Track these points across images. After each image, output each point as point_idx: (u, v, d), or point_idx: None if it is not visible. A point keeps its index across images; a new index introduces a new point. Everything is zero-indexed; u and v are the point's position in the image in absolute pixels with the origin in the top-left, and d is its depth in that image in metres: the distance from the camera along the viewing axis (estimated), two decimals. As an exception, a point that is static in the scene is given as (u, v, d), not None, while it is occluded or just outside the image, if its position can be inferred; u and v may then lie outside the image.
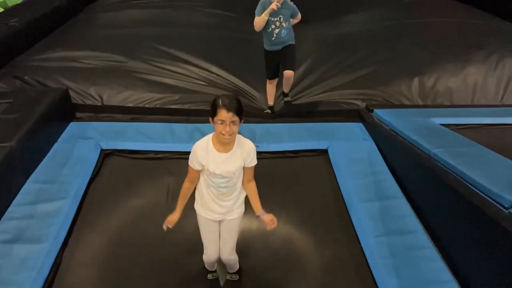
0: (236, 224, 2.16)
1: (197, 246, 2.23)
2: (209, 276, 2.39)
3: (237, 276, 2.40)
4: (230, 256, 2.23)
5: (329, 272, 2.32)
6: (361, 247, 2.41)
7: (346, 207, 2.72)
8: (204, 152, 1.96)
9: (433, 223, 2.46)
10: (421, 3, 6.28)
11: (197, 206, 2.14)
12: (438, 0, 6.60)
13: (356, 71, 4.18)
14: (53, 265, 2.24)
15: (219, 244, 2.21)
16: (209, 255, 2.22)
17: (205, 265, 2.35)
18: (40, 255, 2.19)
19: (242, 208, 2.16)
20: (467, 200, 2.11)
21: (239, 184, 2.08)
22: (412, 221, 2.49)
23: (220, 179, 1.99)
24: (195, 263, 2.34)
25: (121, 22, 5.25)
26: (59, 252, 2.31)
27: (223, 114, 1.82)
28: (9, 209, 2.48)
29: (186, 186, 2.08)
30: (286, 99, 3.76)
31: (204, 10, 5.84)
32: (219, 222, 2.15)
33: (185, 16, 5.52)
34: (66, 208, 2.53)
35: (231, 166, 1.97)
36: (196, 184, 2.10)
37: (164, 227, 2.10)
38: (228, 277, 2.40)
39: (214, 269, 2.39)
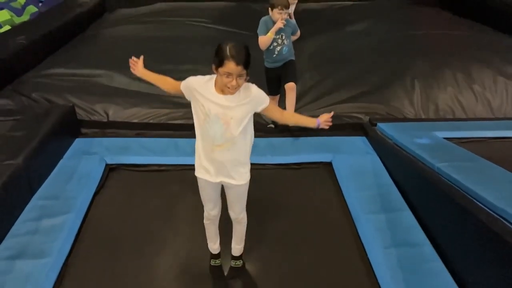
0: (242, 191, 2.08)
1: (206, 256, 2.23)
2: (212, 263, 2.38)
3: (241, 262, 2.36)
4: (239, 214, 2.19)
5: (335, 284, 2.30)
6: (368, 259, 2.40)
7: (352, 218, 2.72)
8: (202, 89, 1.85)
9: (438, 237, 2.44)
10: (422, 16, 6.34)
11: (196, 166, 2.07)
12: (439, 13, 6.66)
13: (358, 85, 4.20)
14: (56, 280, 2.23)
15: (219, 204, 2.18)
16: (209, 211, 2.19)
17: (209, 247, 2.34)
18: (43, 269, 2.19)
19: (246, 175, 2.04)
20: (473, 215, 2.10)
21: (240, 144, 1.92)
22: (419, 234, 2.48)
23: (215, 123, 1.85)
24: (203, 274, 2.35)
25: (126, 38, 5.33)
26: (62, 266, 2.31)
27: (231, 67, 1.70)
28: (14, 226, 2.49)
29: (168, 80, 2.09)
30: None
31: (207, 26, 5.93)
32: (221, 187, 2.09)
33: (188, 31, 5.60)
34: (70, 222, 2.54)
35: (231, 111, 1.83)
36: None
37: (131, 63, 2.18)
38: (232, 263, 2.37)
39: (218, 252, 2.37)
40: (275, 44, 3.35)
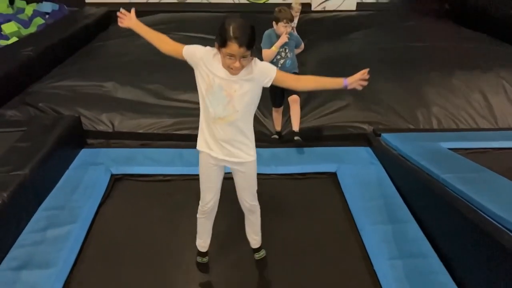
0: (250, 173, 2.02)
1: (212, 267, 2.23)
2: (199, 259, 2.33)
3: (264, 252, 2.33)
4: (252, 202, 2.13)
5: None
6: (374, 270, 2.39)
7: (357, 229, 2.72)
8: (209, 62, 1.80)
9: (444, 248, 2.43)
10: (428, 27, 6.37)
11: (198, 141, 2.01)
12: (445, 24, 6.70)
13: (362, 95, 4.19)
14: (62, 289, 2.24)
15: (217, 195, 2.12)
16: (205, 203, 2.12)
17: (197, 243, 2.30)
18: (49, 280, 2.20)
19: (251, 151, 1.98)
20: (479, 227, 2.09)
21: (243, 119, 1.86)
22: (425, 245, 2.47)
23: (219, 95, 1.80)
24: (209, 284, 2.35)
25: (132, 49, 5.37)
26: (68, 276, 2.32)
27: (234, 49, 1.64)
28: (21, 236, 2.50)
29: (166, 40, 1.97)
30: (296, 138, 3.50)
31: (212, 38, 5.97)
32: (223, 170, 2.04)
33: (196, 42, 5.63)
34: (75, 232, 2.56)
35: (235, 84, 1.78)
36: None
37: (119, 15, 2.05)
38: (256, 256, 2.33)
39: (206, 251, 2.33)
40: (278, 57, 3.38)
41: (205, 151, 2.00)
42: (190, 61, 1.89)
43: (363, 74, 1.97)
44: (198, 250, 2.36)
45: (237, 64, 1.70)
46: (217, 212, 2.28)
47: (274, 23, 3.36)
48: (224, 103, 1.82)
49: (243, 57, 1.69)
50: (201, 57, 1.83)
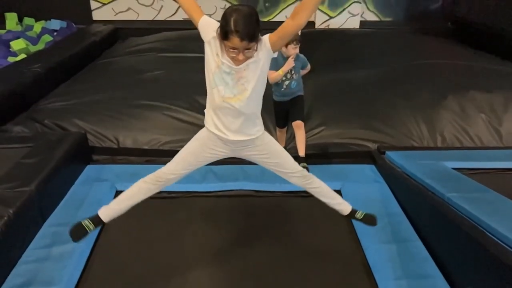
0: (273, 145, 1.97)
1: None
2: (84, 223, 2.13)
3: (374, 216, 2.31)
4: (300, 169, 2.08)
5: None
6: (379, 290, 2.36)
7: (362, 248, 2.70)
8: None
9: (449, 268, 2.41)
10: (428, 45, 6.43)
11: (205, 119, 1.95)
12: (446, 42, 6.76)
13: (366, 112, 4.23)
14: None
15: (186, 173, 2.04)
16: (171, 169, 2.01)
17: (109, 207, 2.14)
18: (53, 298, 2.18)
19: (260, 127, 1.95)
20: (485, 248, 2.08)
21: (252, 97, 1.80)
22: (430, 265, 2.45)
23: (227, 74, 1.72)
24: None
25: (138, 66, 5.45)
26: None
27: (236, 42, 1.58)
28: (25, 253, 2.50)
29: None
30: (302, 164, 3.35)
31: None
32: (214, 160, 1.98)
33: (200, 60, 5.69)
34: (80, 249, 2.55)
35: (242, 68, 1.72)
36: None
37: None
38: (367, 223, 2.32)
39: (106, 222, 2.16)
40: (284, 78, 3.33)
41: (208, 130, 1.93)
42: (203, 34, 1.79)
43: None
44: (98, 216, 2.16)
45: (240, 56, 1.64)
46: (223, 223, 2.23)
47: (283, 46, 3.24)
48: (233, 82, 1.76)
49: (247, 49, 1.63)
50: (214, 36, 1.73)
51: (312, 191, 2.18)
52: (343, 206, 2.27)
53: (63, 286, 2.28)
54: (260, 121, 1.97)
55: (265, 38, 1.77)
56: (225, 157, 2.08)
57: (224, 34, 1.60)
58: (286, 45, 3.27)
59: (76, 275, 2.41)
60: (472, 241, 2.19)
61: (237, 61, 1.68)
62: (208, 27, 1.76)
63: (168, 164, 2.07)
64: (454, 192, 2.60)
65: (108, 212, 2.20)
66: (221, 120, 1.88)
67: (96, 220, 2.18)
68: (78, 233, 2.16)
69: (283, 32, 1.75)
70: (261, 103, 1.92)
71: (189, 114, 4.17)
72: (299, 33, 3.35)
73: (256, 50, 1.70)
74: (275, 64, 3.29)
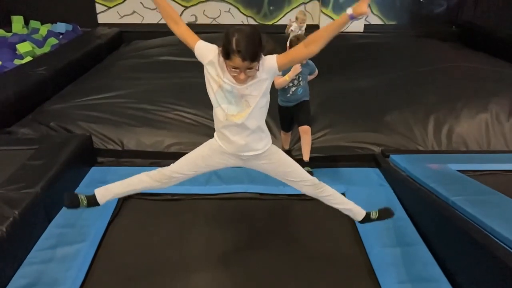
0: (280, 156, 1.97)
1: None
2: (83, 202, 2.11)
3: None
4: (310, 177, 2.07)
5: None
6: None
7: (366, 251, 2.69)
8: (220, 64, 1.72)
9: (453, 272, 2.40)
10: (433, 48, 6.42)
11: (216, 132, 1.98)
12: (450, 45, 6.75)
13: (370, 115, 4.23)
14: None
15: (192, 175, 2.05)
16: (177, 170, 2.01)
17: (115, 185, 2.13)
18: (58, 299, 2.19)
19: (268, 140, 1.95)
20: (490, 252, 2.07)
21: (256, 113, 1.81)
22: (435, 269, 2.44)
23: (230, 92, 1.74)
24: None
25: (142, 69, 5.49)
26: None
27: (237, 62, 1.60)
28: (30, 254, 2.52)
29: (184, 26, 1.87)
30: (306, 168, 3.33)
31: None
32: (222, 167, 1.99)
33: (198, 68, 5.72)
34: (84, 251, 2.56)
35: (244, 87, 1.72)
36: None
37: None
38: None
39: (101, 204, 2.15)
40: (290, 84, 3.30)
41: (217, 143, 1.96)
42: (200, 58, 1.82)
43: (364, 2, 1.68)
44: (94, 198, 2.14)
45: (242, 76, 1.66)
46: (223, 232, 2.25)
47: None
48: (236, 99, 1.78)
49: (249, 68, 1.65)
50: (212, 60, 1.77)
51: (324, 200, 2.17)
52: (357, 210, 2.27)
53: (68, 286, 2.29)
54: (266, 134, 1.98)
55: (273, 59, 1.79)
56: (235, 166, 2.08)
57: (226, 53, 1.63)
58: None
59: (80, 276, 2.42)
60: (477, 244, 2.17)
61: (239, 80, 1.70)
62: (204, 51, 1.80)
63: (175, 163, 2.08)
64: (458, 195, 2.59)
65: (104, 192, 2.18)
66: (228, 138, 1.91)
67: (92, 199, 2.16)
68: (72, 201, 2.14)
69: (293, 57, 1.80)
70: (265, 116, 1.94)
71: (193, 117, 4.19)
72: (300, 23, 3.26)
73: (258, 69, 1.72)
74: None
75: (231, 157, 1.99)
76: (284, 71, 3.17)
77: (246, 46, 1.58)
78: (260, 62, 1.74)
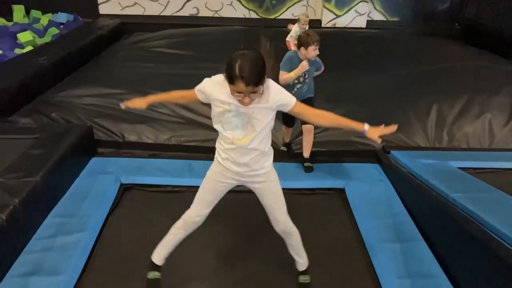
0: (274, 186, 2.02)
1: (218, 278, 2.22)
2: (151, 275, 2.18)
3: (309, 278, 2.25)
4: (287, 223, 2.07)
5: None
6: (383, 289, 2.36)
7: (365, 247, 2.70)
8: (220, 92, 1.78)
9: (452, 268, 2.41)
10: (435, 46, 6.40)
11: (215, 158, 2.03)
12: (453, 43, 6.73)
13: (371, 112, 4.22)
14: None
15: (209, 210, 2.10)
16: (193, 214, 2.07)
17: (154, 255, 2.18)
18: (57, 287, 2.20)
19: (270, 163, 2.00)
20: (490, 249, 2.08)
21: (261, 136, 1.85)
22: (434, 265, 2.45)
23: (236, 117, 1.79)
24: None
25: (143, 60, 5.46)
26: (76, 284, 2.32)
27: (241, 87, 1.63)
28: (30, 242, 2.52)
29: (178, 93, 2.02)
30: (306, 164, 3.46)
31: (223, 47, 6.03)
32: (230, 188, 2.04)
33: (204, 58, 5.70)
34: (84, 240, 2.57)
35: (250, 109, 1.76)
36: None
37: (122, 106, 2.08)
38: (301, 279, 2.27)
39: (161, 265, 2.20)
40: (296, 81, 3.24)
41: (220, 164, 2.01)
42: (204, 99, 1.92)
43: (387, 129, 1.95)
44: (153, 263, 2.21)
45: (246, 100, 1.70)
46: (223, 225, 2.26)
47: (302, 48, 3.14)
48: (243, 123, 1.82)
49: (253, 92, 1.68)
50: (210, 93, 1.84)
51: (287, 243, 2.23)
52: (300, 264, 2.30)
53: (68, 275, 2.29)
54: (268, 158, 2.01)
55: (292, 102, 1.87)
56: (235, 185, 2.13)
57: (230, 78, 1.66)
58: (307, 47, 3.12)
59: (80, 265, 2.43)
60: (476, 241, 2.18)
61: (243, 104, 1.74)
62: (206, 93, 1.87)
63: (191, 208, 2.14)
64: (459, 192, 2.59)
65: (158, 257, 2.24)
66: (230, 157, 1.95)
67: (154, 266, 2.23)
68: (153, 285, 2.22)
69: (304, 114, 1.94)
70: (270, 140, 1.98)
71: (192, 110, 4.17)
72: (302, 24, 3.20)
73: (262, 92, 1.74)
74: (290, 65, 3.18)
75: (231, 176, 2.03)
76: (292, 67, 3.16)
77: (249, 72, 1.61)
78: (275, 90, 1.82)
